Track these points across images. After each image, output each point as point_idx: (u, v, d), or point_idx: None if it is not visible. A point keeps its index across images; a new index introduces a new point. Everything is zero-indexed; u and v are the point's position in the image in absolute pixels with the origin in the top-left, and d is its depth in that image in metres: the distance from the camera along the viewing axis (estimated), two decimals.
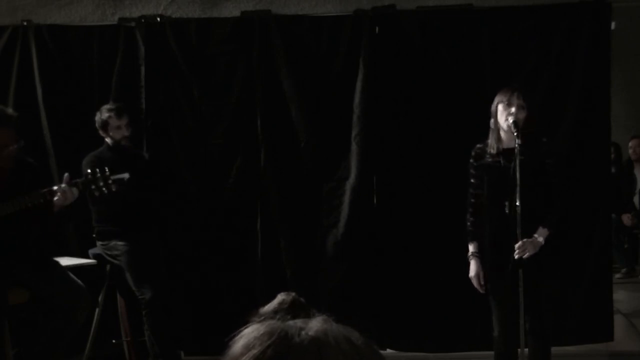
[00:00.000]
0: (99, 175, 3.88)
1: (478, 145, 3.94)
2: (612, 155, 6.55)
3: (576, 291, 4.77)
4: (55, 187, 3.84)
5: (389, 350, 4.86)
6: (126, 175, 4.00)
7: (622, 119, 7.66)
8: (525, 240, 3.67)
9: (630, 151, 7.51)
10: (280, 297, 0.96)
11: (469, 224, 3.93)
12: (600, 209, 4.78)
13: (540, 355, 3.83)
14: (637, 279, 7.28)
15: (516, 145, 3.65)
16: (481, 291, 3.90)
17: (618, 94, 6.70)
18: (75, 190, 3.85)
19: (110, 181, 3.89)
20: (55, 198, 3.82)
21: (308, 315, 0.90)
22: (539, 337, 3.79)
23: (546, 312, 3.82)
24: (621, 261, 7.30)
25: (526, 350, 3.84)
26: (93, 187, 3.89)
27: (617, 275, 6.90)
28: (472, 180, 3.93)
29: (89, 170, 3.92)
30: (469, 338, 4.72)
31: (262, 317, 0.91)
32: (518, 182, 3.60)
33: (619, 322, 5.20)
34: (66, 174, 3.91)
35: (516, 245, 3.66)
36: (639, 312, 5.95)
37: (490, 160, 3.84)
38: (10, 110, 3.99)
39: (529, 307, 3.72)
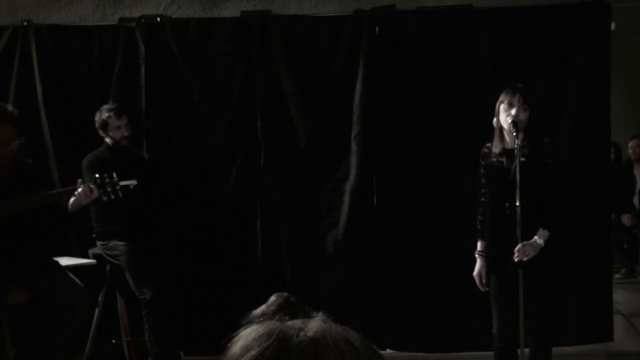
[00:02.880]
0: (107, 180, 3.95)
1: (487, 145, 3.94)
2: (612, 156, 6.55)
3: (576, 291, 4.77)
4: (79, 188, 3.89)
5: (388, 350, 4.86)
6: (134, 182, 4.07)
7: (622, 119, 7.67)
8: (525, 243, 3.67)
9: (630, 151, 7.51)
10: (271, 298, 0.96)
11: (478, 222, 3.95)
12: (600, 209, 4.78)
13: (540, 356, 3.83)
14: (637, 279, 7.28)
15: (515, 146, 3.65)
16: (482, 289, 3.90)
17: (618, 94, 6.71)
18: (95, 190, 3.91)
19: (118, 187, 3.96)
20: (73, 199, 3.87)
21: (306, 315, 0.90)
22: (539, 337, 3.79)
23: (546, 312, 3.82)
24: (621, 261, 7.30)
25: (526, 350, 3.84)
26: (101, 191, 3.95)
27: (617, 276, 6.90)
28: (482, 180, 3.94)
29: (97, 175, 3.97)
30: (468, 338, 4.72)
31: (254, 319, 0.91)
32: (518, 182, 3.61)
33: (618, 322, 5.21)
34: (79, 180, 3.98)
35: (516, 249, 3.67)
36: (639, 313, 5.95)
37: (494, 160, 3.85)
38: (11, 108, 4.01)
39: (529, 307, 3.72)
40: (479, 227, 3.94)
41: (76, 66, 5.05)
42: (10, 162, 3.97)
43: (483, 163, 3.93)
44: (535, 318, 3.77)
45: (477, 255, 3.93)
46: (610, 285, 4.88)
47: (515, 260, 3.67)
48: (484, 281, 3.88)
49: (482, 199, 3.94)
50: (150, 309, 4.38)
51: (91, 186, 3.92)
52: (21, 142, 3.98)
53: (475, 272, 3.91)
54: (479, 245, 3.94)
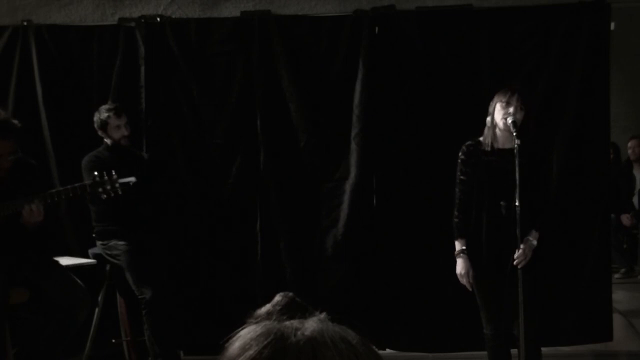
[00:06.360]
0: (106, 178, 3.95)
1: (469, 142, 3.92)
2: (611, 156, 6.56)
3: (575, 291, 4.77)
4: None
5: (388, 350, 4.87)
6: (132, 179, 4.07)
7: (622, 119, 7.68)
8: (523, 247, 3.67)
9: (630, 151, 7.51)
10: (277, 297, 0.97)
11: (456, 220, 3.90)
12: (600, 209, 4.79)
13: (533, 356, 3.82)
14: (636, 279, 7.28)
15: (515, 146, 3.64)
16: (469, 289, 3.89)
17: (618, 94, 6.72)
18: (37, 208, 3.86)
19: (117, 184, 3.97)
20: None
21: (305, 316, 0.91)
22: (531, 337, 3.79)
23: (537, 313, 3.82)
24: (620, 261, 7.30)
25: (515, 350, 3.85)
26: (100, 189, 3.96)
27: (616, 276, 6.90)
28: (461, 177, 3.91)
29: (95, 173, 3.97)
30: (468, 338, 4.72)
31: (259, 318, 0.91)
32: (517, 182, 3.60)
33: (618, 322, 5.21)
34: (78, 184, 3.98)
35: (516, 255, 3.67)
36: (638, 312, 5.95)
37: (485, 159, 3.83)
38: (14, 121, 3.96)
39: (523, 307, 3.72)
40: (459, 225, 3.89)
41: (76, 66, 5.05)
42: (8, 166, 3.96)
43: (467, 161, 3.88)
44: (528, 319, 3.76)
45: (459, 255, 3.88)
46: (610, 285, 4.88)
47: (519, 266, 3.67)
48: (470, 280, 3.87)
49: (461, 196, 3.89)
50: (150, 308, 4.38)
51: (32, 205, 3.85)
52: (18, 155, 3.97)
53: (462, 272, 3.86)
54: (459, 244, 3.88)
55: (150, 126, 4.99)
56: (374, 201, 4.91)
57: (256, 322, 0.89)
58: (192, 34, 4.98)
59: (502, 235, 3.71)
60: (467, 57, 4.78)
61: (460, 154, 3.92)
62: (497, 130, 3.81)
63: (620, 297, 6.07)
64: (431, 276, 4.76)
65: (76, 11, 5.19)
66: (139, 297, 4.42)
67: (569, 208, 4.70)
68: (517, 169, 3.61)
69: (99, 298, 4.63)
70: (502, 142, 3.81)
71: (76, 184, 4.05)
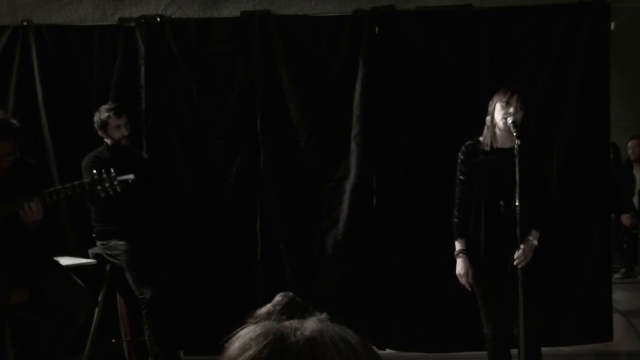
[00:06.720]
0: (104, 176, 3.94)
1: (468, 142, 3.92)
2: (611, 156, 6.56)
3: (575, 291, 4.77)
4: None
5: (388, 350, 4.87)
6: (131, 177, 4.07)
7: (622, 119, 7.68)
8: (524, 247, 3.67)
9: (630, 151, 7.51)
10: (277, 297, 0.97)
11: (456, 220, 3.90)
12: (600, 209, 4.79)
13: (533, 356, 3.82)
14: (636, 279, 7.28)
15: (516, 146, 3.65)
16: (469, 289, 3.90)
17: (618, 94, 6.72)
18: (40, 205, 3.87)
19: (115, 182, 3.97)
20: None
21: (305, 316, 0.91)
22: (531, 337, 3.79)
23: (537, 313, 3.82)
24: (620, 261, 7.30)
25: (515, 350, 3.85)
26: (99, 187, 3.95)
27: (616, 276, 6.90)
28: (461, 177, 3.91)
29: (94, 171, 3.97)
30: (468, 338, 4.72)
31: (259, 318, 0.92)
32: (518, 182, 3.60)
33: (618, 322, 5.21)
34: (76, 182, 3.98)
35: (516, 255, 3.67)
36: (638, 312, 5.96)
37: (483, 158, 3.83)
38: (13, 121, 3.97)
39: (523, 307, 3.72)
40: (458, 225, 3.89)
41: (76, 66, 5.05)
42: (8, 166, 3.96)
43: (466, 161, 3.89)
44: (528, 319, 3.76)
45: (459, 255, 3.88)
46: (610, 285, 4.88)
47: (519, 267, 3.67)
48: (470, 280, 3.87)
49: (461, 196, 3.89)
50: (150, 308, 4.38)
51: (31, 204, 3.86)
52: (16, 156, 3.97)
53: (461, 272, 3.86)
54: (459, 244, 3.89)
55: (150, 126, 4.99)
56: (374, 201, 4.91)
57: (256, 322, 0.89)
58: (192, 34, 4.98)
59: (502, 235, 3.72)
60: (467, 57, 4.78)
61: (459, 154, 3.92)
62: (497, 130, 3.81)
63: (620, 297, 6.07)
64: (431, 276, 4.76)
65: (76, 11, 5.19)
66: (139, 297, 4.42)
67: (569, 208, 4.70)
68: (517, 168, 3.61)
69: (99, 298, 4.63)
70: (502, 142, 3.82)
71: (75, 182, 4.04)
